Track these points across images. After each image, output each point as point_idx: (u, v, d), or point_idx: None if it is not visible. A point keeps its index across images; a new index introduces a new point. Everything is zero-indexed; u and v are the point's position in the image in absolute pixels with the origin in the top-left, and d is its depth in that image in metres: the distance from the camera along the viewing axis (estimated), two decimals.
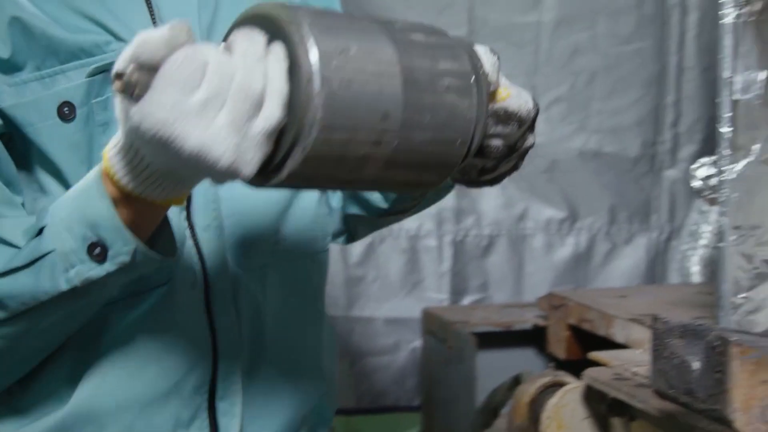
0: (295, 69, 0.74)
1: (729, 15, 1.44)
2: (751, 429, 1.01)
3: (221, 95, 0.72)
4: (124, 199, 0.83)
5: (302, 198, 1.12)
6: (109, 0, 0.99)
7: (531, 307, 1.99)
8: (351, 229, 1.30)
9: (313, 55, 0.73)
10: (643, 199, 2.43)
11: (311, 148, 0.73)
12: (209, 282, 1.02)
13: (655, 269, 2.43)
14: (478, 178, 0.96)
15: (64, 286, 0.88)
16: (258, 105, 0.73)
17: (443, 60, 0.81)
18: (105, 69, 0.96)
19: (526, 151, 0.96)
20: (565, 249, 2.38)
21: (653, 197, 2.44)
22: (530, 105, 0.91)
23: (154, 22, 1.01)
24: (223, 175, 0.74)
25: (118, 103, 0.77)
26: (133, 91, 0.73)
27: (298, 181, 0.77)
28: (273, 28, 0.75)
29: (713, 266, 1.92)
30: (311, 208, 1.14)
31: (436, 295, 2.31)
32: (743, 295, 1.56)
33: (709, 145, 2.25)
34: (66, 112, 0.96)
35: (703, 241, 2.32)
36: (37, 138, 0.96)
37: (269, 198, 1.05)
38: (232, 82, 0.73)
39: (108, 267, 0.86)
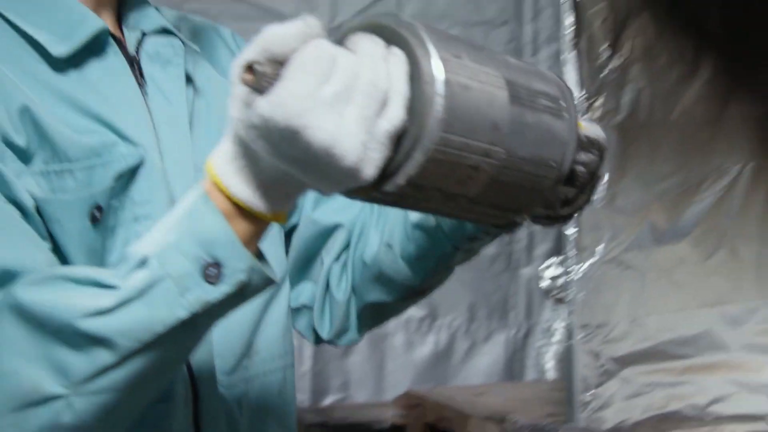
0: (415, 71, 0.74)
1: None
2: None
3: (350, 91, 0.72)
4: (234, 213, 0.79)
5: (273, 311, 1.09)
6: (112, 100, 0.96)
7: (390, 407, 1.99)
8: (358, 324, 1.23)
9: (435, 58, 0.74)
10: (501, 296, 2.48)
11: (432, 150, 0.73)
12: (199, 399, 0.98)
13: (513, 365, 2.47)
14: (559, 210, 0.95)
15: (182, 314, 0.81)
16: (383, 104, 0.73)
17: (536, 81, 0.83)
18: (126, 173, 0.92)
19: (600, 181, 0.97)
20: (426, 347, 2.40)
21: (510, 294, 2.49)
22: (604, 134, 0.93)
23: (153, 125, 0.99)
24: (344, 174, 0.72)
25: (238, 99, 0.73)
26: (260, 87, 0.71)
27: (410, 190, 0.76)
28: (388, 35, 0.76)
29: (564, 363, 1.97)
30: (282, 320, 1.10)
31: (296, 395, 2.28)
32: (591, 392, 1.61)
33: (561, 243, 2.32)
34: (96, 215, 0.92)
35: (556, 338, 2.37)
36: (61, 236, 0.91)
37: (244, 310, 1.01)
38: (359, 79, 0.72)
39: (224, 288, 0.80)
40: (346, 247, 1.13)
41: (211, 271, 0.80)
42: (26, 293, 0.82)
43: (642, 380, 1.68)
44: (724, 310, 1.62)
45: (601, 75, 1.53)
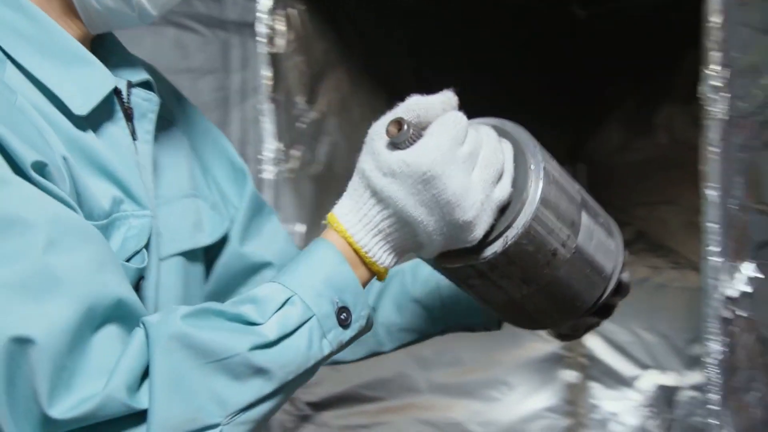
0: (520, 158, 0.89)
1: (269, 171, 1.54)
2: None
3: (476, 157, 0.86)
4: (357, 262, 0.88)
5: None
6: (121, 158, 0.95)
7: None
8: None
9: (536, 150, 0.89)
10: None
11: (530, 222, 0.86)
12: None
13: None
14: (582, 331, 1.16)
15: (326, 350, 0.88)
16: (498, 175, 0.87)
17: (593, 201, 0.98)
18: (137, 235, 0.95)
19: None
20: None
21: None
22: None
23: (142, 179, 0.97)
24: (461, 228, 0.85)
25: (377, 150, 0.85)
26: (404, 140, 0.83)
27: (502, 260, 0.88)
28: (499, 131, 0.91)
29: None
30: None
31: None
32: None
33: None
34: None
35: None
36: None
37: None
38: (484, 150, 0.86)
39: (351, 332, 0.89)
40: None
41: (344, 315, 0.88)
42: (189, 325, 0.83)
43: (337, 423, 1.72)
44: (415, 352, 1.70)
45: (298, 125, 1.58)
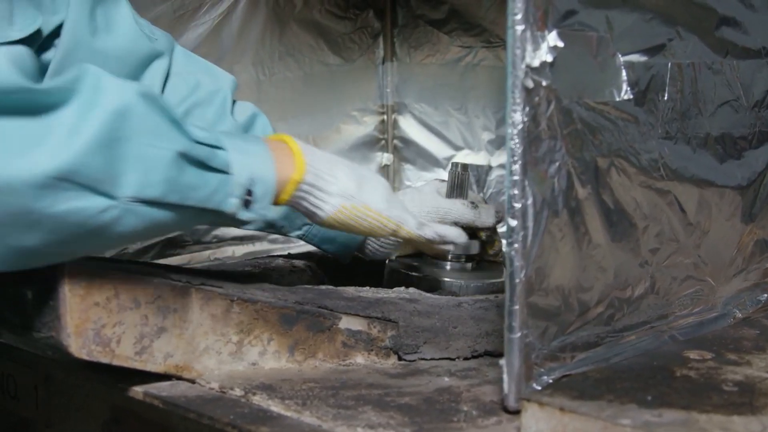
0: None
1: None
2: (86, 352, 1.02)
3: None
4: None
5: None
6: None
7: None
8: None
9: None
10: None
11: None
12: None
13: None
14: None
15: (227, 208, 1.04)
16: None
17: None
18: None
19: None
20: None
21: None
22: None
23: None
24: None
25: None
26: None
27: None
28: None
29: None
30: None
31: None
32: None
33: None
34: None
35: None
36: None
37: None
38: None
39: (250, 214, 1.07)
40: None
41: (247, 198, 1.05)
42: (142, 95, 0.95)
43: None
44: None
45: None
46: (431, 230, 1.25)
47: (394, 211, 1.20)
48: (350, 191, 1.16)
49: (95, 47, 1.15)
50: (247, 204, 1.05)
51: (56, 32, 1.10)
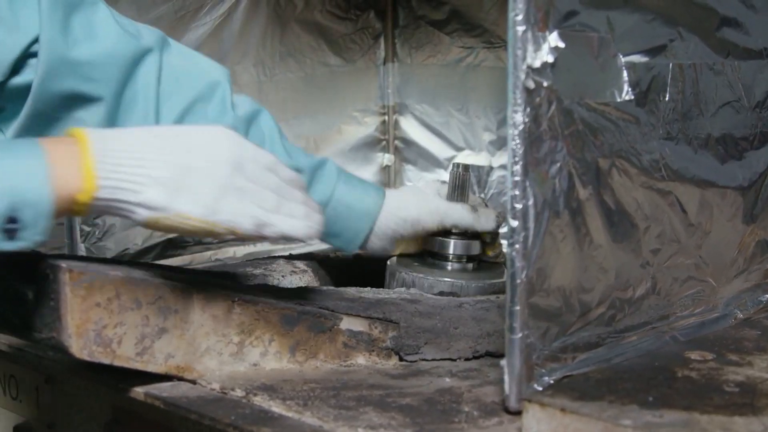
0: None
1: None
2: (87, 353, 1.02)
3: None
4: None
5: None
6: None
7: None
8: None
9: None
10: None
11: None
12: None
13: None
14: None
15: None
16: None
17: None
18: None
19: None
20: None
21: None
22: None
23: None
24: None
25: None
26: None
27: None
28: None
29: None
30: None
31: None
32: (94, 221, 1.59)
33: None
34: None
35: None
36: None
37: None
38: None
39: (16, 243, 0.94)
40: None
41: (10, 226, 0.92)
42: None
43: None
44: None
45: None
46: (272, 230, 1.05)
47: (223, 216, 1.00)
48: (158, 202, 0.98)
49: (78, 59, 1.15)
50: (10, 233, 0.92)
51: (27, 53, 1.10)
